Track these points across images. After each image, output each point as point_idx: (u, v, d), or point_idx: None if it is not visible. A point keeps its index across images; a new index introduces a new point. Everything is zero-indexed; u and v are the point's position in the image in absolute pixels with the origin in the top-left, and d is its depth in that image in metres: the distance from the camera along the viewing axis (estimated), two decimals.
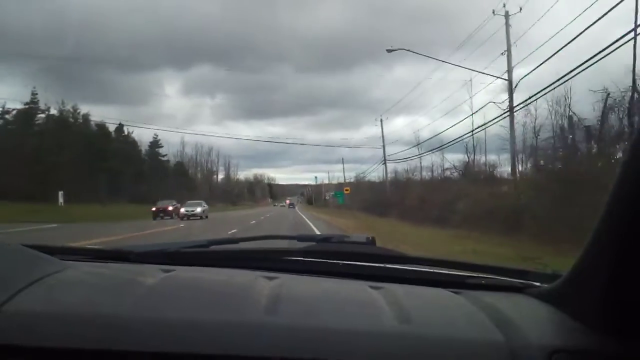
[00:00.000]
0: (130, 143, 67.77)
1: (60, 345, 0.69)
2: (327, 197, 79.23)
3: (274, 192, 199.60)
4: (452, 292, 1.04)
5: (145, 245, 1.32)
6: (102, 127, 60.73)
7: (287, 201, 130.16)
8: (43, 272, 0.88)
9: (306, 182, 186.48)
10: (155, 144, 77.61)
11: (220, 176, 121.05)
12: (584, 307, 0.80)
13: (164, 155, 79.06)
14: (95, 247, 1.34)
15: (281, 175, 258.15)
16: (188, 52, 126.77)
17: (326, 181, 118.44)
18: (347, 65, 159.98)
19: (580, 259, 0.80)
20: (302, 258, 1.23)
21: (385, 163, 41.63)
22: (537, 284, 1.07)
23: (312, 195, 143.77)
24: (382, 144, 43.25)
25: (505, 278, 1.15)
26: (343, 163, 73.04)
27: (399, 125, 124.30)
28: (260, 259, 1.25)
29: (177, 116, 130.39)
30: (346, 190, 61.19)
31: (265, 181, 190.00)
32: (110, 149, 58.63)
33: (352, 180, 72.24)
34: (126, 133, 67.23)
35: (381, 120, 42.01)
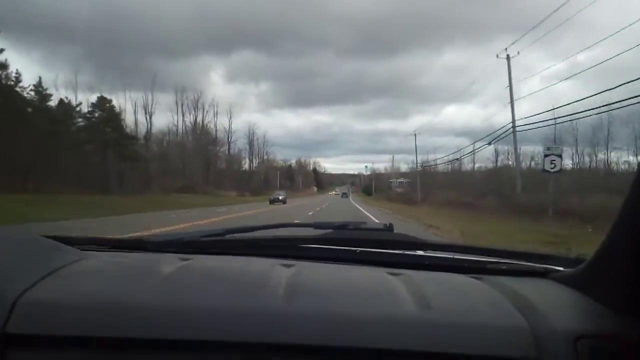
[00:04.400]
0: None
1: (79, 334, 0.68)
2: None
3: (321, 180, 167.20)
4: (472, 277, 1.01)
5: (162, 234, 1.31)
6: None
7: (335, 192, 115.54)
8: (62, 261, 0.89)
9: (354, 172, 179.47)
10: None
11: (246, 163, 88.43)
12: (608, 291, 0.80)
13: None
14: (114, 237, 1.34)
15: (328, 165, 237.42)
16: (232, 39, 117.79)
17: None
18: (394, 52, 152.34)
19: (604, 243, 0.79)
20: (319, 245, 1.22)
21: None
22: (560, 268, 1.06)
23: (371, 184, 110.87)
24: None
25: (527, 263, 1.14)
26: None
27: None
28: (276, 247, 1.25)
29: (221, 104, 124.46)
30: None
31: (311, 167, 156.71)
32: None
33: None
34: None
35: None
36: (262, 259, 1.12)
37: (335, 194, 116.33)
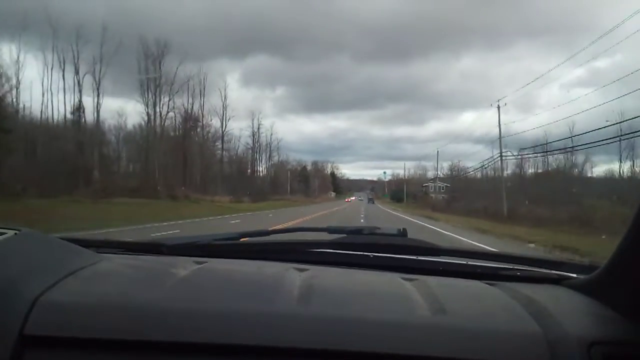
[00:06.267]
0: None
1: (95, 336, 0.68)
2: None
3: (338, 185, 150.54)
4: (486, 283, 1.03)
5: (177, 237, 1.32)
6: None
7: (353, 198, 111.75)
8: (79, 263, 0.89)
9: (372, 178, 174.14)
10: None
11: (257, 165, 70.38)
12: (622, 298, 0.80)
13: None
14: (129, 240, 1.34)
15: (344, 171, 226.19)
16: (247, 43, 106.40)
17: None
18: (411, 57, 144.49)
19: (618, 250, 0.80)
20: (332, 250, 1.22)
21: None
22: (574, 275, 1.07)
23: (399, 189, 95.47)
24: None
25: (540, 270, 1.15)
26: None
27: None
28: (290, 251, 1.25)
29: (238, 108, 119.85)
30: None
31: (328, 171, 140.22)
32: None
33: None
34: None
35: None
36: (276, 262, 1.12)
37: (359, 200, 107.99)
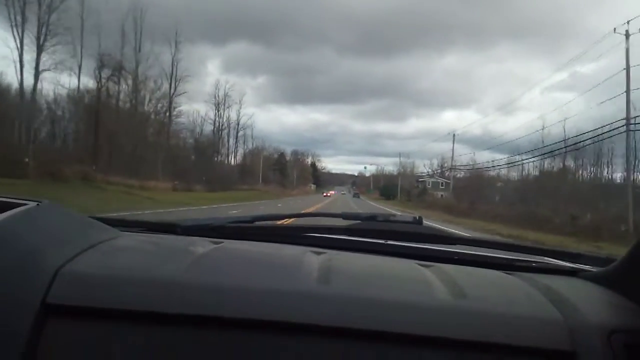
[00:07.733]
0: None
1: (116, 307, 0.70)
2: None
3: (319, 177, 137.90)
4: (504, 273, 1.03)
5: (191, 219, 1.32)
6: None
7: (333, 192, 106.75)
8: (100, 238, 0.92)
9: (353, 173, 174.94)
10: None
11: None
12: None
13: None
14: (146, 220, 1.36)
15: (325, 164, 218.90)
16: (227, 29, 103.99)
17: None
18: (394, 53, 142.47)
19: (637, 244, 0.81)
20: (347, 237, 1.23)
21: None
22: (590, 267, 1.07)
23: (392, 184, 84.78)
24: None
25: (557, 261, 1.15)
26: None
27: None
28: (304, 236, 1.26)
29: (217, 94, 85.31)
30: None
31: (309, 161, 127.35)
32: None
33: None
34: None
35: None
36: (292, 246, 1.12)
37: (342, 194, 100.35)
